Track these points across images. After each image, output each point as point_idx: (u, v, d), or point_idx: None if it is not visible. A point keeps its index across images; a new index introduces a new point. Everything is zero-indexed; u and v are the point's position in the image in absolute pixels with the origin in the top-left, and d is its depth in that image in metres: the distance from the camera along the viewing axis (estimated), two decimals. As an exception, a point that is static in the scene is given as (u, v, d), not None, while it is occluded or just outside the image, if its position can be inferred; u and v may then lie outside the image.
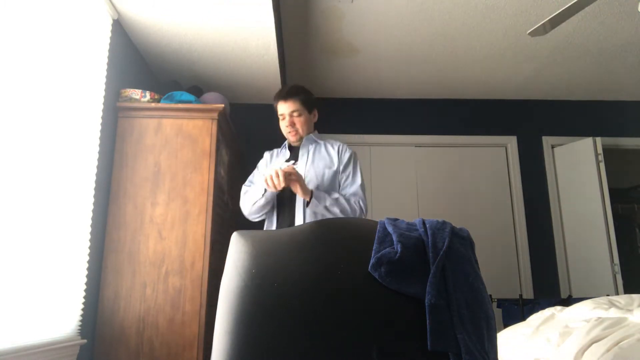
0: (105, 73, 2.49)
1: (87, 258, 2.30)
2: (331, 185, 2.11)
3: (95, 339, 2.37)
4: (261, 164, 2.32)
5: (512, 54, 3.53)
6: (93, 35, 2.35)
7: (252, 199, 2.11)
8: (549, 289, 3.90)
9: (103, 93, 2.47)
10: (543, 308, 2.80)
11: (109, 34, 2.54)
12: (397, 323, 0.85)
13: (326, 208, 2.00)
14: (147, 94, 2.71)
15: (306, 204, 2.01)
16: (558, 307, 2.13)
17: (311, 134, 2.24)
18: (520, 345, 1.77)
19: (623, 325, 1.44)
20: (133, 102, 2.67)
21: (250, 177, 2.29)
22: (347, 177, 2.15)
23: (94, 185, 2.36)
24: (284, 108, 2.18)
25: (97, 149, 2.41)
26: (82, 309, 2.26)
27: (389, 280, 0.86)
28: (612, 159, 4.35)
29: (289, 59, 3.67)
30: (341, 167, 2.16)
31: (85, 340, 2.21)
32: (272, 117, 4.05)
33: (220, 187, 2.80)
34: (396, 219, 1.02)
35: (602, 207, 3.75)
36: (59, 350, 1.97)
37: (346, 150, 2.21)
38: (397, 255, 0.89)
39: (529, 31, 2.46)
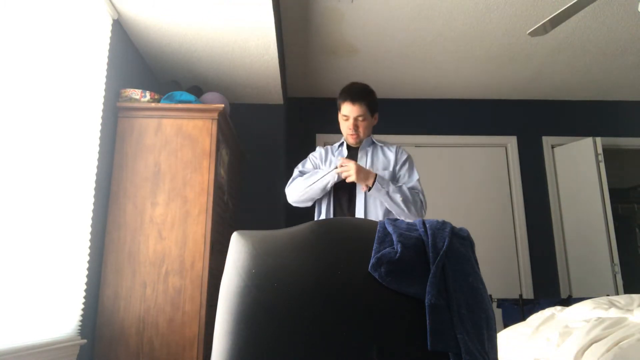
0: (105, 73, 2.49)
1: (87, 258, 2.30)
2: None
3: (95, 339, 2.37)
4: (315, 156, 2.33)
5: (512, 54, 3.53)
6: (93, 35, 2.35)
7: (317, 182, 2.11)
8: (549, 289, 3.90)
9: (103, 93, 2.47)
10: (543, 308, 2.80)
11: (109, 34, 2.54)
12: (397, 323, 0.85)
13: (388, 194, 2.01)
14: (147, 94, 2.71)
15: (368, 189, 2.03)
16: (558, 307, 2.13)
17: (370, 137, 2.28)
18: (520, 345, 1.77)
19: (623, 325, 1.44)
20: (133, 102, 2.67)
21: (299, 166, 2.30)
22: (404, 174, 2.17)
23: (94, 185, 2.36)
24: (349, 110, 2.16)
25: (97, 149, 2.41)
26: (82, 309, 2.26)
27: (389, 280, 0.86)
28: (612, 159, 4.35)
29: (289, 59, 3.67)
30: (398, 167, 2.20)
31: (85, 340, 2.21)
32: (273, 117, 4.07)
33: (220, 187, 2.80)
34: (396, 219, 1.02)
35: (602, 207, 3.75)
36: (59, 350, 1.97)
37: (403, 151, 2.25)
38: (397, 255, 0.89)
39: (529, 31, 2.46)
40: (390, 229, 0.96)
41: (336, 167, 2.09)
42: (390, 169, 2.17)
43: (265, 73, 3.35)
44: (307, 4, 2.97)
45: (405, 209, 2.02)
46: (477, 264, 0.99)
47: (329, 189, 2.14)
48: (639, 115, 4.30)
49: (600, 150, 3.88)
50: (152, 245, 2.48)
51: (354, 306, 0.85)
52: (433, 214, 4.01)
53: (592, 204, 3.81)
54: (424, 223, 1.00)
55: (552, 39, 3.33)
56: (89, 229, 2.32)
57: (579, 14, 2.94)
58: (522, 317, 3.09)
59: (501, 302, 3.30)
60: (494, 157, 4.24)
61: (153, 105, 2.68)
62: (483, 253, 3.83)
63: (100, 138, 2.46)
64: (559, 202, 4.08)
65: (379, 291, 0.86)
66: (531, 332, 1.80)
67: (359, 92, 2.17)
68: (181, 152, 2.62)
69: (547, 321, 1.88)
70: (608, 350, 1.29)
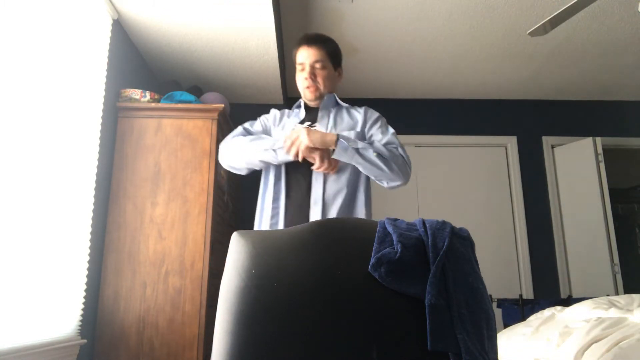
0: (105, 73, 2.49)
1: (87, 258, 2.30)
2: None
3: (95, 339, 2.37)
4: (267, 118, 1.90)
5: (512, 54, 3.53)
6: (93, 35, 2.35)
7: (256, 150, 1.70)
8: (549, 289, 3.90)
9: (103, 93, 2.47)
10: (543, 308, 2.80)
11: (109, 34, 2.54)
12: (397, 323, 0.85)
13: (359, 152, 1.59)
14: (147, 94, 2.71)
15: (332, 152, 1.61)
16: (558, 307, 2.13)
17: (334, 94, 1.86)
18: (520, 345, 1.77)
19: (623, 325, 1.44)
20: (133, 102, 2.67)
21: (246, 125, 1.87)
22: (376, 132, 1.76)
23: (94, 185, 2.36)
24: (305, 55, 1.77)
25: (97, 149, 2.41)
26: (82, 309, 2.26)
27: (389, 280, 0.86)
28: (612, 159, 4.35)
29: (289, 59, 3.67)
30: (367, 127, 1.78)
31: (85, 340, 2.21)
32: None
33: (220, 187, 2.80)
34: (396, 219, 1.02)
35: (602, 207, 3.75)
36: (59, 350, 1.97)
37: (373, 111, 1.86)
38: (397, 255, 0.89)
39: (529, 31, 2.46)
40: (390, 229, 0.96)
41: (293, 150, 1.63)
42: (358, 129, 1.76)
43: (265, 73, 3.35)
44: (307, 4, 2.97)
45: (384, 167, 1.60)
46: (477, 264, 0.99)
47: (271, 165, 1.74)
48: (639, 115, 4.30)
49: (600, 150, 3.88)
50: (152, 245, 2.48)
51: (354, 306, 0.85)
52: (433, 214, 4.01)
53: (592, 204, 3.81)
54: (424, 223, 1.00)
55: (552, 39, 3.33)
56: (89, 229, 2.32)
57: (579, 14, 2.94)
58: (522, 317, 3.09)
59: (501, 302, 3.30)
60: (494, 157, 4.24)
61: (153, 105, 2.68)
62: (483, 253, 3.84)
63: (100, 138, 2.46)
64: (559, 202, 4.07)
65: (379, 291, 0.86)
66: (531, 332, 1.80)
67: (317, 36, 1.81)
68: (181, 152, 2.62)
69: (547, 321, 1.88)
70: (608, 350, 1.29)
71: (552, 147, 4.21)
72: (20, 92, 1.77)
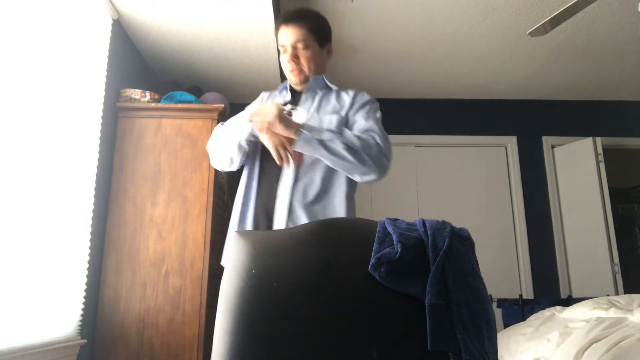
0: (105, 73, 2.49)
1: (87, 258, 2.30)
2: None
3: (95, 339, 2.37)
4: (254, 103, 1.68)
5: (512, 54, 3.53)
6: (93, 35, 2.35)
7: (229, 134, 1.53)
8: (549, 289, 3.90)
9: (103, 93, 2.47)
10: (543, 308, 2.80)
11: (109, 34, 2.54)
12: (397, 323, 0.85)
13: (323, 144, 1.37)
14: (147, 94, 2.71)
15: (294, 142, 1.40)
16: (558, 307, 2.14)
17: (322, 75, 1.66)
18: (520, 345, 1.77)
19: (623, 325, 1.44)
20: (133, 102, 2.67)
21: (230, 120, 1.64)
22: (359, 118, 1.54)
23: (94, 185, 2.36)
24: (285, 36, 1.58)
25: (97, 149, 2.41)
26: (82, 309, 2.26)
27: (389, 280, 0.86)
28: (612, 159, 4.35)
29: (289, 59, 3.67)
30: (353, 111, 1.57)
31: (85, 340, 2.21)
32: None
33: (220, 187, 2.80)
34: (396, 219, 1.02)
35: (602, 207, 3.75)
36: (59, 350, 1.97)
37: (364, 94, 1.63)
38: (397, 255, 0.89)
39: (529, 31, 2.46)
40: (390, 229, 0.96)
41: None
42: (343, 113, 1.56)
43: (265, 73, 3.35)
44: (307, 4, 2.97)
45: (354, 160, 1.39)
46: (477, 264, 0.99)
47: (246, 147, 1.53)
48: (639, 115, 4.30)
49: (600, 150, 3.88)
50: (152, 245, 2.48)
51: (354, 306, 0.85)
52: (433, 214, 4.01)
53: (592, 204, 3.81)
54: (424, 223, 1.00)
55: (552, 39, 3.33)
56: (89, 229, 2.32)
57: (579, 14, 2.94)
58: (522, 317, 3.09)
59: (501, 302, 3.30)
60: (494, 157, 4.24)
61: (153, 105, 2.68)
62: (483, 253, 3.82)
63: (100, 138, 2.46)
64: (559, 202, 4.07)
65: (379, 291, 0.86)
66: (531, 332, 1.81)
67: (296, 12, 1.61)
68: (181, 152, 2.62)
69: (547, 321, 1.88)
70: (608, 350, 1.29)
71: (552, 147, 4.21)
72: (20, 93, 1.77)
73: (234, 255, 0.91)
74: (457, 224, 1.03)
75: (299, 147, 1.39)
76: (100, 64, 2.45)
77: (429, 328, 0.83)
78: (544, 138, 4.23)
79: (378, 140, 1.45)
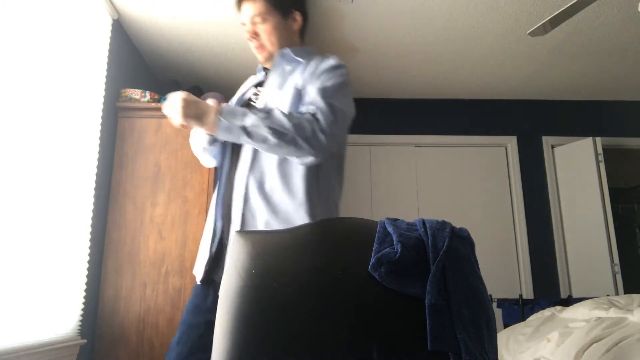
0: (105, 73, 2.49)
1: (87, 258, 2.30)
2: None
3: (95, 339, 2.37)
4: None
5: (512, 54, 3.53)
6: (93, 35, 2.35)
7: (193, 143, 1.49)
8: (549, 289, 3.90)
9: (103, 93, 2.47)
10: (543, 308, 2.80)
11: (109, 34, 2.54)
12: (397, 323, 0.85)
13: (246, 131, 1.22)
14: (147, 94, 2.71)
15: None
16: (558, 307, 2.14)
17: (288, 49, 1.49)
18: (520, 345, 1.77)
19: (623, 325, 1.44)
20: (133, 102, 2.67)
21: None
22: (311, 89, 1.36)
23: (94, 185, 2.36)
24: (243, 13, 1.49)
25: (97, 149, 2.41)
26: (82, 309, 2.26)
27: (389, 280, 0.86)
28: (612, 159, 4.35)
29: (289, 59, 3.67)
30: (309, 82, 1.38)
31: (85, 340, 2.21)
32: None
33: (220, 187, 2.80)
34: (396, 219, 1.02)
35: (602, 207, 3.75)
36: (59, 350, 1.97)
37: (327, 60, 1.45)
38: (397, 255, 0.89)
39: (529, 31, 2.46)
40: (390, 229, 0.96)
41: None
42: (299, 85, 1.39)
43: (265, 73, 3.35)
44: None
45: (282, 142, 1.23)
46: (477, 264, 0.99)
47: (211, 147, 1.46)
48: (639, 115, 4.30)
49: (600, 150, 3.88)
50: (152, 245, 2.48)
51: (354, 306, 0.85)
52: (433, 214, 4.01)
53: (592, 204, 3.81)
54: (424, 223, 1.00)
55: (552, 39, 3.33)
56: (89, 229, 2.32)
57: (579, 14, 2.94)
58: (522, 317, 3.09)
59: (501, 302, 3.30)
60: (494, 157, 4.24)
61: (153, 105, 2.68)
62: (483, 253, 3.82)
63: (100, 138, 2.46)
64: (559, 202, 4.08)
65: (379, 291, 0.86)
66: (531, 332, 1.81)
67: None
68: (181, 152, 2.62)
69: (547, 321, 1.88)
70: (608, 350, 1.29)
71: (552, 147, 4.21)
72: (20, 92, 1.77)
73: (234, 256, 0.91)
74: (457, 224, 1.03)
75: (221, 137, 1.27)
76: (100, 64, 2.45)
77: (429, 328, 0.83)
78: (544, 138, 4.23)
79: (319, 115, 1.27)
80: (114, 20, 2.59)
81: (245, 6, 1.48)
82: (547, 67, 3.74)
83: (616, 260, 3.64)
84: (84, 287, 2.27)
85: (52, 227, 1.98)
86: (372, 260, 0.88)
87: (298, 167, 1.33)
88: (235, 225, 1.32)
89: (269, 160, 1.34)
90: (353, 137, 4.07)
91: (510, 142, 4.22)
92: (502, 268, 3.95)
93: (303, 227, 0.96)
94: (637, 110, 4.31)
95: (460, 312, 0.87)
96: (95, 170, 2.37)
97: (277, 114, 1.25)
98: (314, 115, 1.28)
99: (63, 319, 2.08)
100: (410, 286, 0.88)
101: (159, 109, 2.68)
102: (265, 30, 1.47)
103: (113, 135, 2.62)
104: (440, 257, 0.91)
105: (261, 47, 1.49)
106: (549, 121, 4.28)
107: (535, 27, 2.40)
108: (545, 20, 2.34)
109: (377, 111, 4.20)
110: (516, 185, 4.11)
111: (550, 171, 4.14)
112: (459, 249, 0.96)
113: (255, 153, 1.35)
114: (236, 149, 1.41)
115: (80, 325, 2.22)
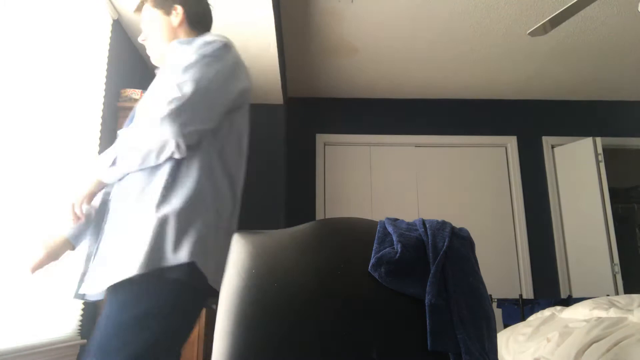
0: (105, 73, 2.49)
1: (87, 258, 2.30)
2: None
3: (96, 339, 2.37)
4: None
5: (512, 54, 3.53)
6: (93, 35, 2.35)
7: None
8: (549, 289, 3.90)
9: (103, 93, 2.47)
10: (543, 308, 2.81)
11: (109, 34, 2.54)
12: (397, 323, 0.85)
13: (120, 166, 1.12)
14: (147, 94, 2.71)
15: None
16: (558, 307, 2.13)
17: (172, 43, 1.28)
18: (520, 345, 1.77)
19: (623, 325, 1.44)
20: (133, 102, 2.67)
21: None
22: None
23: (94, 185, 2.35)
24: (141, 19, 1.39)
25: (98, 149, 2.41)
26: (82, 309, 2.25)
27: (389, 280, 0.86)
28: (612, 159, 4.35)
29: (289, 59, 3.67)
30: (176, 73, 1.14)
31: (85, 340, 2.21)
32: (273, 117, 4.07)
33: (220, 187, 2.80)
34: (396, 219, 1.02)
35: (602, 207, 3.75)
36: (59, 350, 1.97)
37: (196, 54, 1.17)
38: (397, 255, 0.89)
39: (529, 31, 2.46)
40: (390, 229, 0.96)
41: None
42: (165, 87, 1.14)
43: (265, 73, 3.35)
44: (307, 4, 2.97)
45: (141, 153, 1.09)
46: (477, 264, 0.99)
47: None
48: (639, 115, 4.30)
49: (600, 150, 3.88)
50: (152, 245, 2.48)
51: (354, 306, 0.85)
52: (433, 214, 4.01)
53: (592, 204, 3.81)
54: (424, 223, 1.00)
55: (552, 39, 3.33)
56: (89, 229, 2.32)
57: (579, 14, 2.94)
58: (522, 317, 3.09)
59: (501, 302, 3.30)
60: (494, 157, 4.24)
61: (153, 105, 2.68)
62: (483, 253, 3.84)
63: (101, 138, 2.46)
64: (559, 202, 4.08)
65: (379, 291, 0.86)
66: (531, 332, 1.81)
67: None
68: (181, 152, 2.62)
69: (547, 321, 1.88)
70: (608, 350, 1.29)
71: (552, 147, 4.21)
72: (20, 93, 1.77)
73: (234, 256, 0.91)
74: (457, 224, 1.03)
75: (114, 182, 1.18)
76: (101, 64, 2.45)
77: (429, 328, 0.83)
78: (544, 138, 4.23)
79: (163, 103, 1.08)
80: (114, 21, 2.59)
81: (141, 14, 1.43)
82: (547, 67, 3.74)
83: (616, 260, 3.64)
84: (84, 287, 2.27)
85: (53, 227, 1.98)
86: (372, 260, 0.88)
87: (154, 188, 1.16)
88: None
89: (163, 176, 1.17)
90: (354, 137, 4.10)
91: (510, 142, 4.22)
92: (502, 268, 3.95)
93: (303, 227, 0.96)
94: (637, 110, 4.31)
95: (460, 312, 0.87)
96: (95, 170, 2.37)
97: (124, 137, 1.14)
98: (158, 107, 1.12)
99: (63, 319, 2.08)
100: (410, 286, 0.88)
101: (159, 109, 2.68)
102: (150, 32, 1.39)
103: (113, 136, 2.62)
104: (440, 257, 0.91)
105: (150, 52, 1.39)
106: (549, 121, 4.28)
107: (535, 27, 2.40)
108: (545, 20, 2.34)
109: (377, 111, 4.20)
110: (516, 185, 4.11)
111: (550, 171, 4.14)
112: (459, 249, 0.96)
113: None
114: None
115: (80, 325, 2.22)
